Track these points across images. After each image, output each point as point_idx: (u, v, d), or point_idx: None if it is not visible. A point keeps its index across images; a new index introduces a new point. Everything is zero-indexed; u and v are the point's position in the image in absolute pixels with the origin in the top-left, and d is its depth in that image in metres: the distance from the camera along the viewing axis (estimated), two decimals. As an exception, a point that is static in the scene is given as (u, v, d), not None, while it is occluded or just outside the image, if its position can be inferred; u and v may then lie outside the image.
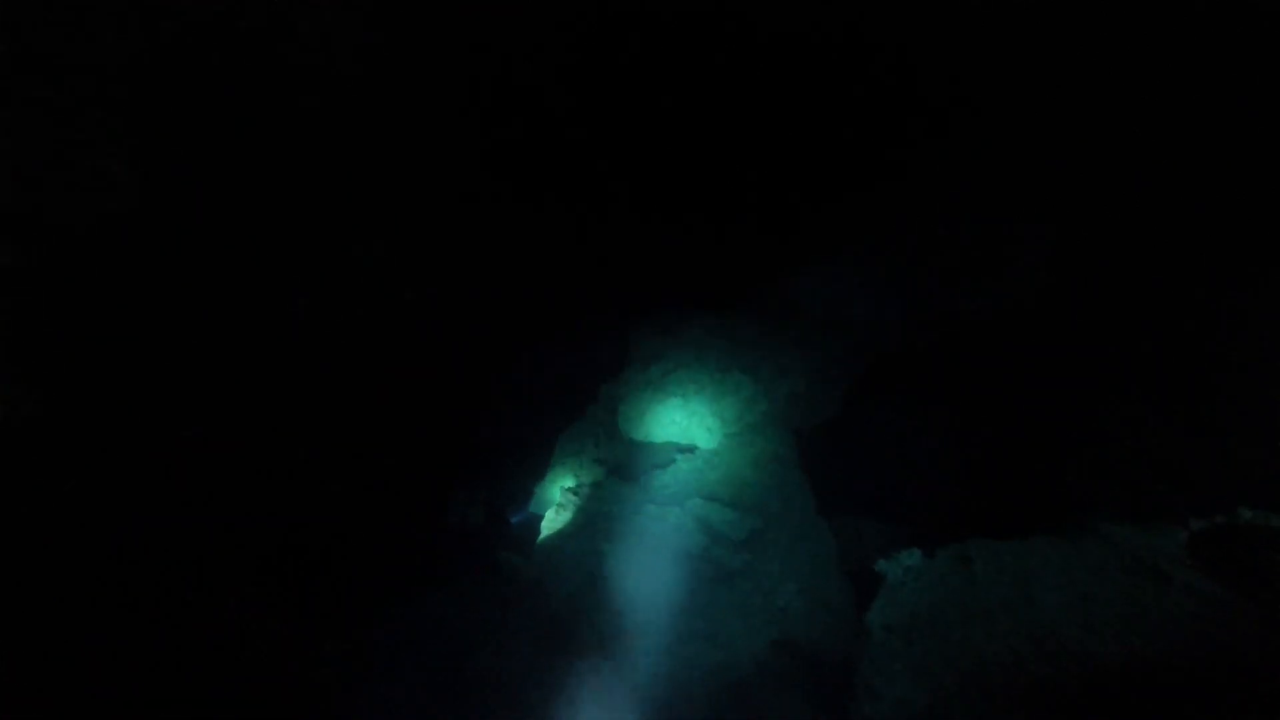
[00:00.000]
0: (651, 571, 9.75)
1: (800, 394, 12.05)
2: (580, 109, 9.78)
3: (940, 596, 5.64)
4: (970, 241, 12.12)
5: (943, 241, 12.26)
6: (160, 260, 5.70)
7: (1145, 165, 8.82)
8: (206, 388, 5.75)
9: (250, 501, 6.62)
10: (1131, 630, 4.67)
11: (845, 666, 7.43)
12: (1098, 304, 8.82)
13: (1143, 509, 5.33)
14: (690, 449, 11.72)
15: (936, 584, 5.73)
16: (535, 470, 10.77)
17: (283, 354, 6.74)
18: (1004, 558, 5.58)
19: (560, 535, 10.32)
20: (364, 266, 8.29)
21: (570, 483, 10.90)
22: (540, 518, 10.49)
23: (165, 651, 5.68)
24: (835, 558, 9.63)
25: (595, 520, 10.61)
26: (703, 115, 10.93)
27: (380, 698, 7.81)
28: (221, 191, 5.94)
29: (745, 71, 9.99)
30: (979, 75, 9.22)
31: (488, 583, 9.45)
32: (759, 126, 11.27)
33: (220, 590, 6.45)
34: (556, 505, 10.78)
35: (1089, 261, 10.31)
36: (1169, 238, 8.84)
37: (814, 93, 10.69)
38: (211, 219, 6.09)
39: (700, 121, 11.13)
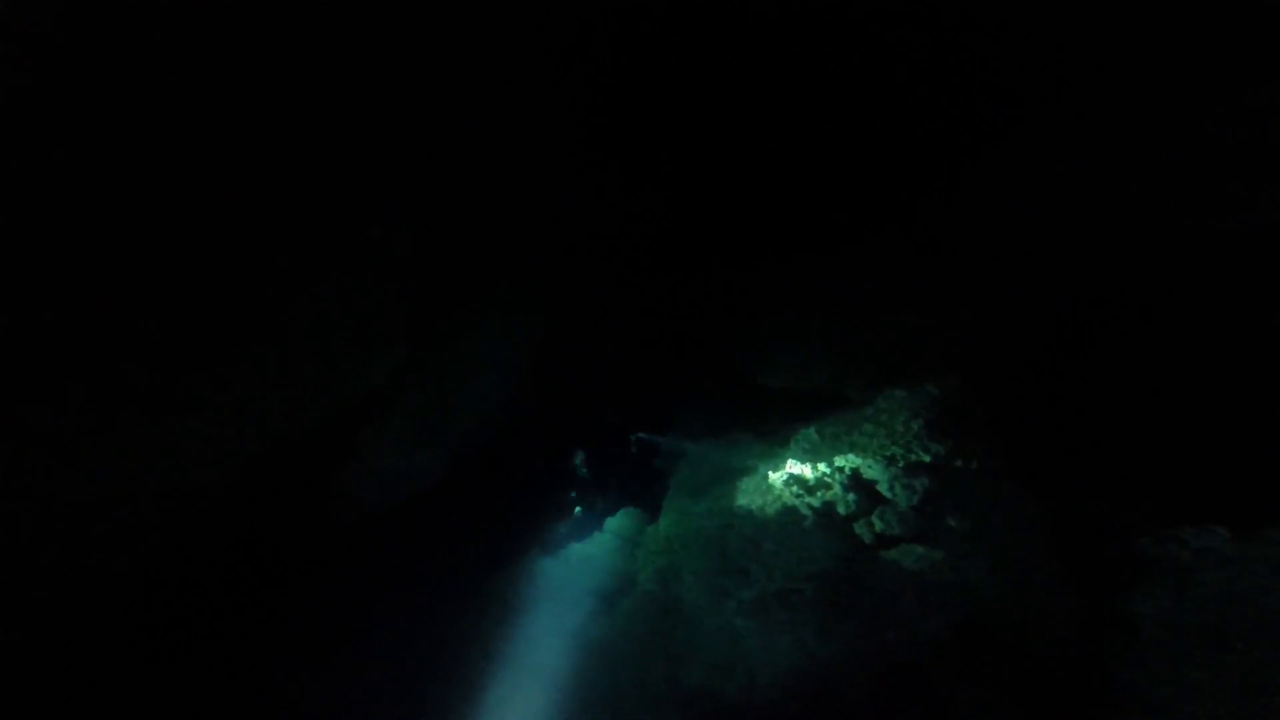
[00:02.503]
0: (794, 533, 8.40)
1: (983, 329, 9.59)
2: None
3: (1264, 590, 3.58)
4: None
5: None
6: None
7: None
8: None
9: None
10: None
11: (1069, 663, 5.44)
12: None
13: None
14: (840, 399, 10.00)
15: (1259, 574, 3.66)
16: (661, 409, 9.96)
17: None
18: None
19: (689, 489, 9.44)
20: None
21: (700, 433, 9.94)
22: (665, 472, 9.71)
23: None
24: (1050, 532, 7.33)
25: (727, 476, 9.53)
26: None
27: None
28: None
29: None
30: None
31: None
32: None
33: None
34: (686, 460, 9.91)
35: None
36: None
37: None
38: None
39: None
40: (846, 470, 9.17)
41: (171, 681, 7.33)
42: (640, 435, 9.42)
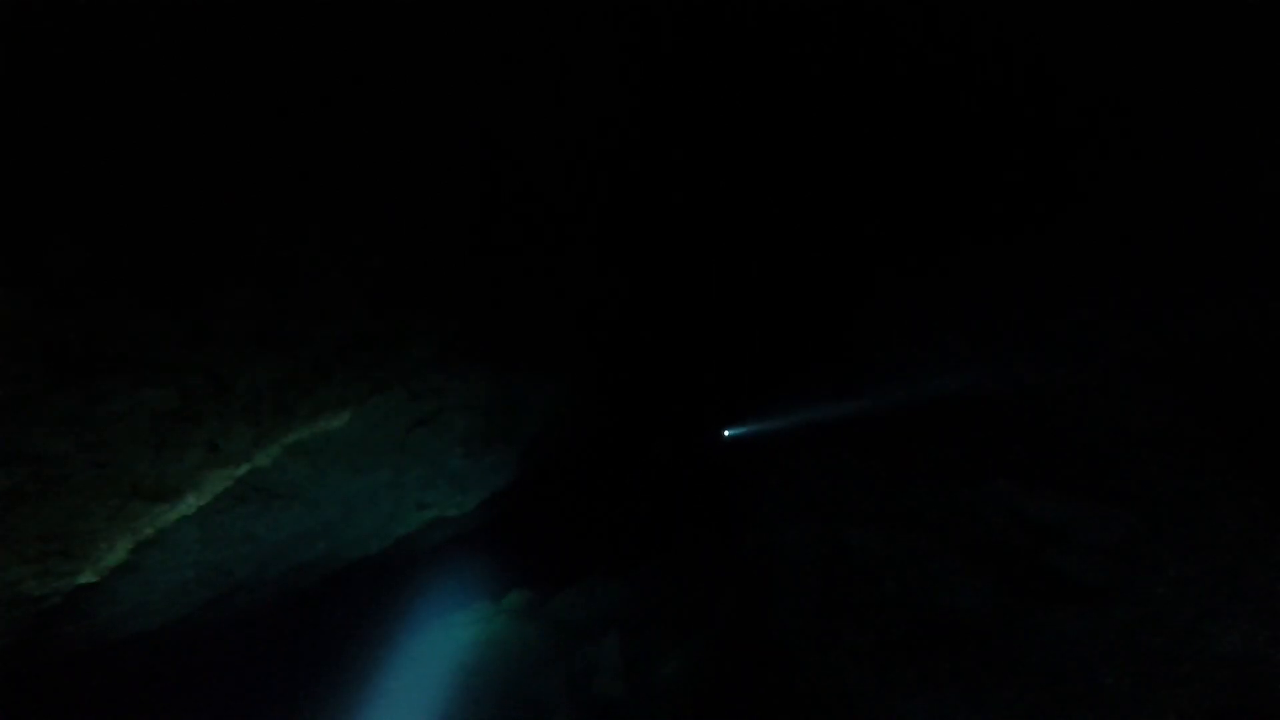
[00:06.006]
0: (926, 570, 6.36)
1: (1201, 311, 7.14)
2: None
3: None
4: None
5: None
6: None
7: None
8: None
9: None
10: None
11: None
12: None
13: None
14: (994, 397, 7.86)
15: None
16: (754, 404, 8.48)
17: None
18: None
19: (782, 506, 7.76)
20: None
21: (799, 438, 8.32)
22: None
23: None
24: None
25: (832, 494, 7.73)
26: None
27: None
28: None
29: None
30: None
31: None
32: None
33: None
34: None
35: None
36: None
37: None
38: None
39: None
40: (1003, 498, 6.98)
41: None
42: (727, 432, 8.01)
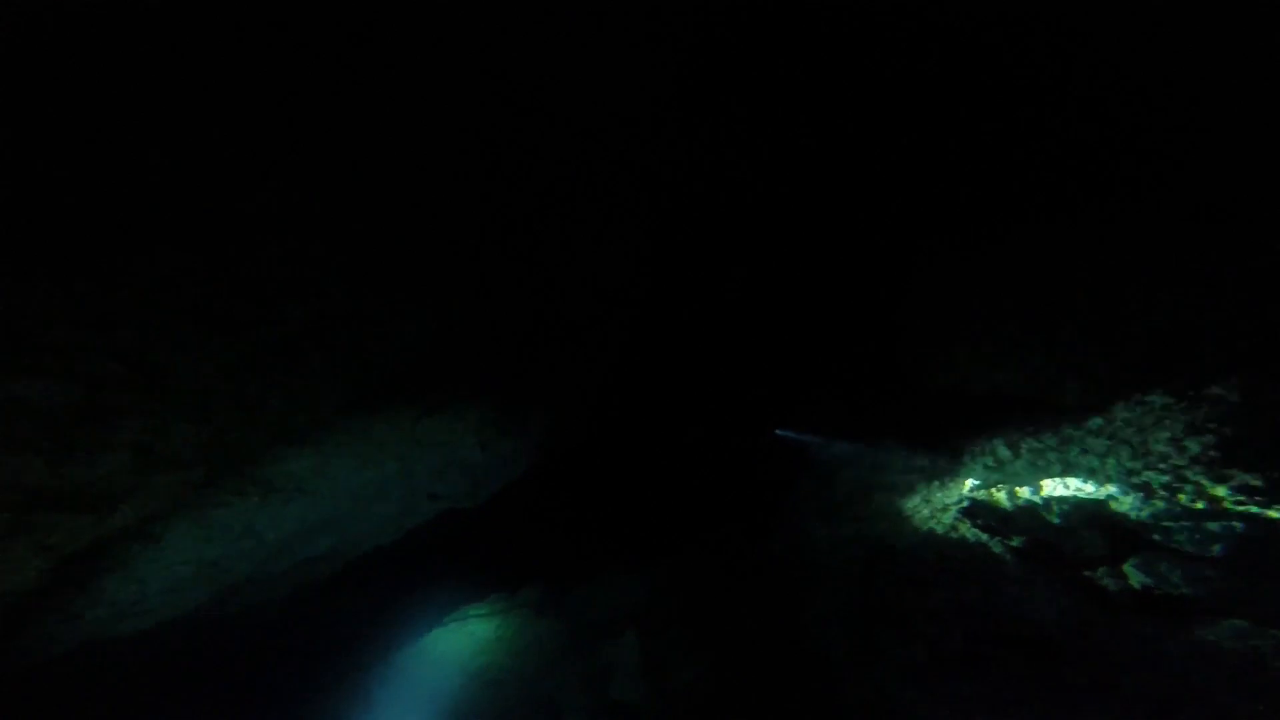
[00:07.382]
0: (982, 578, 5.61)
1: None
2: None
3: None
4: None
5: None
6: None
7: None
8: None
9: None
10: None
11: None
12: None
13: None
14: (1045, 405, 7.04)
15: None
16: (783, 400, 7.84)
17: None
18: None
19: (814, 507, 7.09)
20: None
21: (833, 435, 7.64)
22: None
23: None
24: None
25: (869, 495, 7.02)
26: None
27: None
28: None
29: None
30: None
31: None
32: None
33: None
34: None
35: None
36: None
37: None
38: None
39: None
40: (1073, 498, 6.18)
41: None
42: (779, 431, 7.37)
